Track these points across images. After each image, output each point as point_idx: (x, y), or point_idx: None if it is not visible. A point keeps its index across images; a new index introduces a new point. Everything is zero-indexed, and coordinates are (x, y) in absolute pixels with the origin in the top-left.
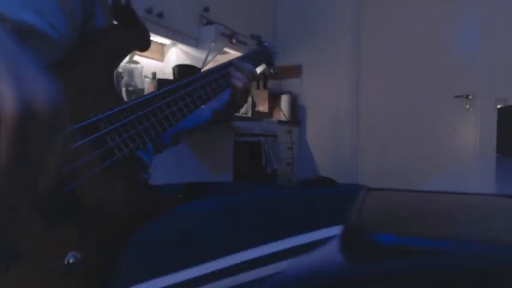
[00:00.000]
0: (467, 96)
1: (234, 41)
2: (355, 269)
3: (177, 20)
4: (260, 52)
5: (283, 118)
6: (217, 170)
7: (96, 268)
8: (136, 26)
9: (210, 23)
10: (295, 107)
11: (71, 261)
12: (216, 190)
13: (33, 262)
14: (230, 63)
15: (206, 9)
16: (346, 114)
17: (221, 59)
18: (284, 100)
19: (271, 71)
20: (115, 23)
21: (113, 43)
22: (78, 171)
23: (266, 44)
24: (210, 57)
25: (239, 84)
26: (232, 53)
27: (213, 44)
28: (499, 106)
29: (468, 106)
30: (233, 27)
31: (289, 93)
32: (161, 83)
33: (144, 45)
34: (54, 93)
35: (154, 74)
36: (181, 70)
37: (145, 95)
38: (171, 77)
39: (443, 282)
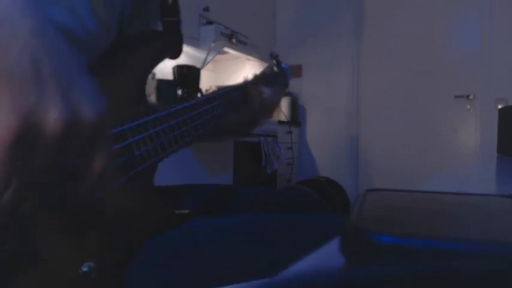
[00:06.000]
0: (467, 96)
1: (234, 40)
2: (355, 269)
3: None
4: (279, 75)
5: (283, 118)
6: (217, 169)
7: (109, 278)
8: (173, 32)
9: (210, 22)
10: (295, 107)
11: (84, 269)
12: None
13: (48, 267)
14: (257, 79)
15: (206, 9)
16: (346, 114)
17: (221, 59)
18: (284, 100)
19: (285, 93)
20: (152, 28)
21: (147, 50)
22: (103, 180)
23: (283, 65)
24: (210, 57)
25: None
26: (232, 53)
27: (213, 43)
28: (499, 106)
29: (468, 106)
30: (233, 27)
31: (289, 93)
32: (161, 83)
33: (176, 53)
34: (99, 105)
35: (153, 74)
36: (180, 70)
37: (174, 107)
38: (170, 77)
39: (443, 283)
